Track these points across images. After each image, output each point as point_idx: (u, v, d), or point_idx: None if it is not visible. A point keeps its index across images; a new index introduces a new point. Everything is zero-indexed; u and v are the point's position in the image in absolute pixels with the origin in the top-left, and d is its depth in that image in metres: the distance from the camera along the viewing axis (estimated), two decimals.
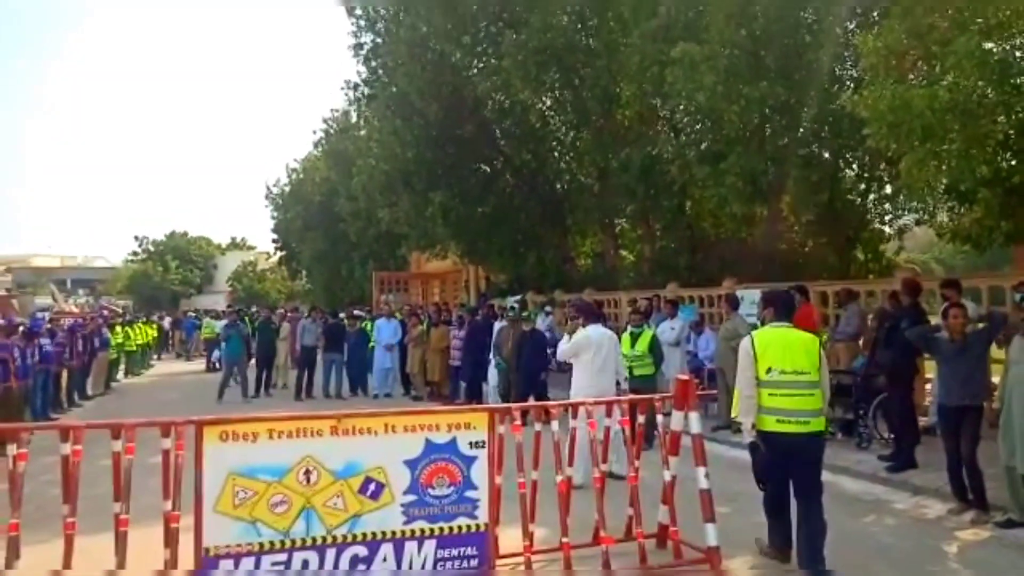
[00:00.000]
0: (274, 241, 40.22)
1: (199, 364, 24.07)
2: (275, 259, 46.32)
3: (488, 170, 20.44)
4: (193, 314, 31.82)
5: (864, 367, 8.81)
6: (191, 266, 58.56)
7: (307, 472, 4.73)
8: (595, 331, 7.85)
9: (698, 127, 14.26)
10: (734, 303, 10.24)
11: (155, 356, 26.30)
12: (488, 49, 17.49)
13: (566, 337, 8.35)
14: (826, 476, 7.77)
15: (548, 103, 19.41)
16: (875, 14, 11.17)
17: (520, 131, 19.45)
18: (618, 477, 6.62)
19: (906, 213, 14.07)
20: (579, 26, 16.37)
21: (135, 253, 59.18)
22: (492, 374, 12.41)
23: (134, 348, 21.34)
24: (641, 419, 5.76)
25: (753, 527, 6.12)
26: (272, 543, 4.62)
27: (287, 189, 36.29)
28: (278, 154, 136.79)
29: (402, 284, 30.20)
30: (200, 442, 4.55)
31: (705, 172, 12.50)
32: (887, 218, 14.72)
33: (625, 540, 5.39)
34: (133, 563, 4.40)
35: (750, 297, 12.26)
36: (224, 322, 17.24)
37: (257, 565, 4.58)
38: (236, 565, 4.54)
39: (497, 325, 12.82)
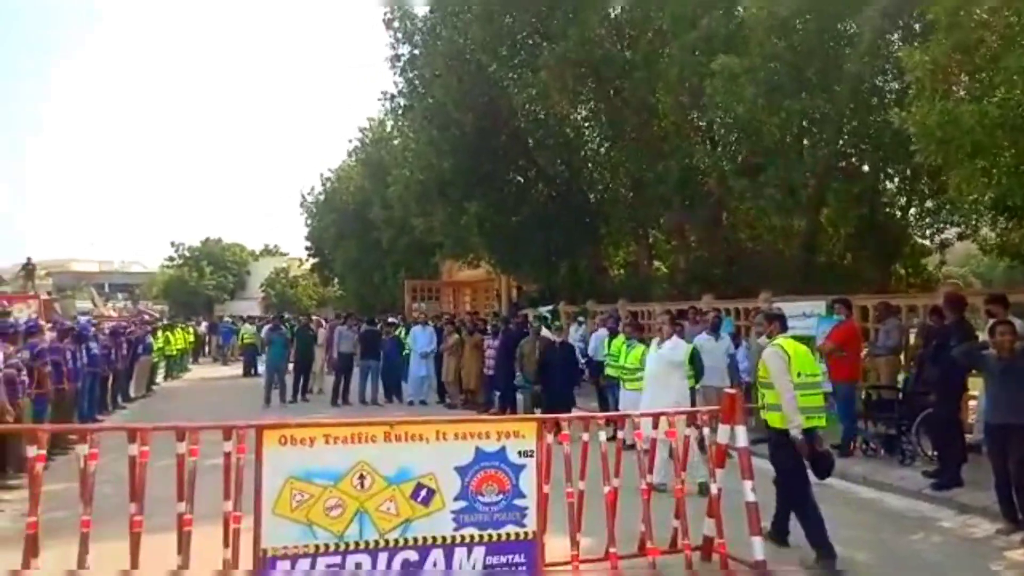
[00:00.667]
0: (307, 248, 40.79)
1: (235, 368, 24.47)
2: (307, 266, 46.99)
3: (522, 180, 20.60)
4: (229, 319, 32.35)
5: (913, 383, 8.69)
6: (225, 272, 59.52)
7: (361, 477, 4.85)
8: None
9: (736, 139, 14.26)
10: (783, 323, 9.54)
11: (192, 360, 26.81)
12: (525, 60, 17.67)
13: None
14: (870, 493, 7.86)
15: (583, 114, 19.56)
16: (917, 27, 11.13)
17: (554, 142, 19.60)
18: (661, 489, 6.65)
19: (948, 227, 13.91)
20: (616, 38, 16.46)
21: (171, 259, 60.35)
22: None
23: (174, 352, 21.80)
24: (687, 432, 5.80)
25: (798, 539, 6.13)
26: (327, 545, 4.74)
27: (321, 197, 36.78)
28: (312, 163, 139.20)
29: (434, 292, 30.46)
30: (260, 446, 4.69)
31: (743, 184, 12.50)
32: (928, 232, 14.57)
33: (671, 552, 5.43)
34: (195, 562, 4.55)
35: (788, 310, 12.22)
36: (267, 327, 17.56)
37: (312, 566, 4.70)
38: (293, 566, 4.67)
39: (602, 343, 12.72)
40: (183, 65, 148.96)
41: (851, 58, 11.72)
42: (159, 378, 19.79)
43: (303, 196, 38.06)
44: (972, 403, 9.23)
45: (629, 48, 16.45)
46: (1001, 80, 7.11)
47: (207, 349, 29.70)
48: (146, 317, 23.39)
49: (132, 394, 16.11)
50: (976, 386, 8.17)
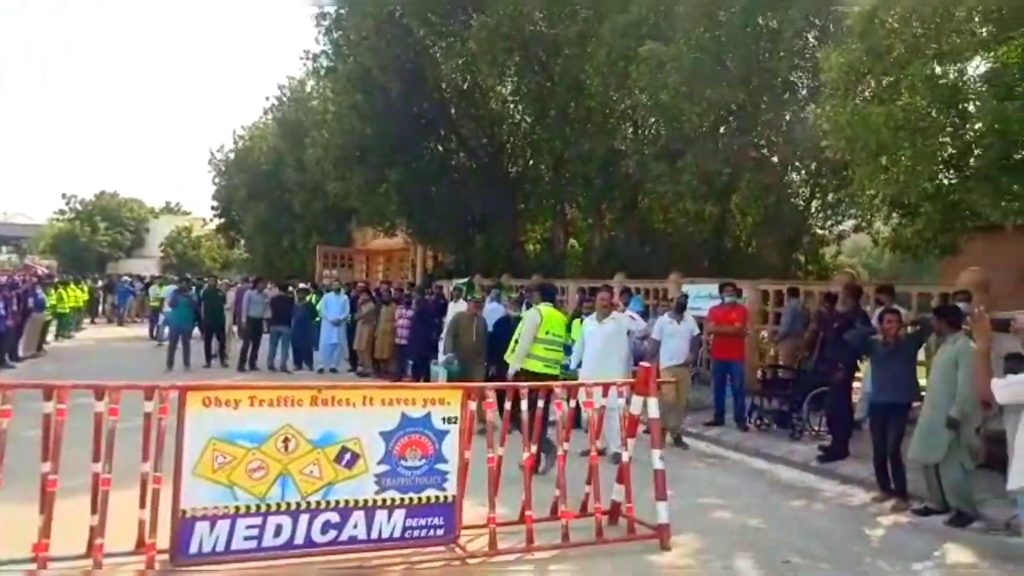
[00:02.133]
0: (213, 208, 39.36)
1: (131, 330, 23.50)
2: (212, 226, 45.29)
3: (443, 151, 20.57)
4: (127, 278, 30.88)
5: (814, 363, 9.13)
6: (121, 228, 56.65)
7: (285, 440, 4.90)
8: None
9: (657, 124, 14.71)
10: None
11: (88, 320, 25.55)
12: (454, 29, 17.56)
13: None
14: (762, 464, 8.47)
15: (509, 88, 19.64)
16: (832, 28, 11.77)
17: (479, 114, 19.64)
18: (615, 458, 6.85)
19: (845, 220, 14.85)
20: (547, 15, 16.57)
21: (61, 212, 56.96)
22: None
23: (66, 311, 20.66)
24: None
25: (696, 508, 6.59)
26: (248, 507, 4.78)
27: (232, 156, 35.50)
28: (223, 120, 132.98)
29: (346, 260, 30.08)
30: (183, 407, 4.67)
31: (662, 168, 12.94)
32: (827, 223, 15.51)
33: (582, 515, 5.73)
34: (111, 523, 4.51)
35: (695, 291, 12.80)
36: (172, 288, 16.94)
37: (232, 528, 4.74)
38: (212, 527, 4.69)
39: (452, 308, 12.82)
40: (83, 7, 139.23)
41: (770, 54, 12.29)
42: (49, 337, 18.79)
43: (212, 153, 36.75)
44: (856, 384, 10.01)
45: (559, 26, 16.61)
46: (906, 86, 7.70)
47: (101, 308, 28.30)
48: (39, 272, 22.08)
49: (21, 353, 15.29)
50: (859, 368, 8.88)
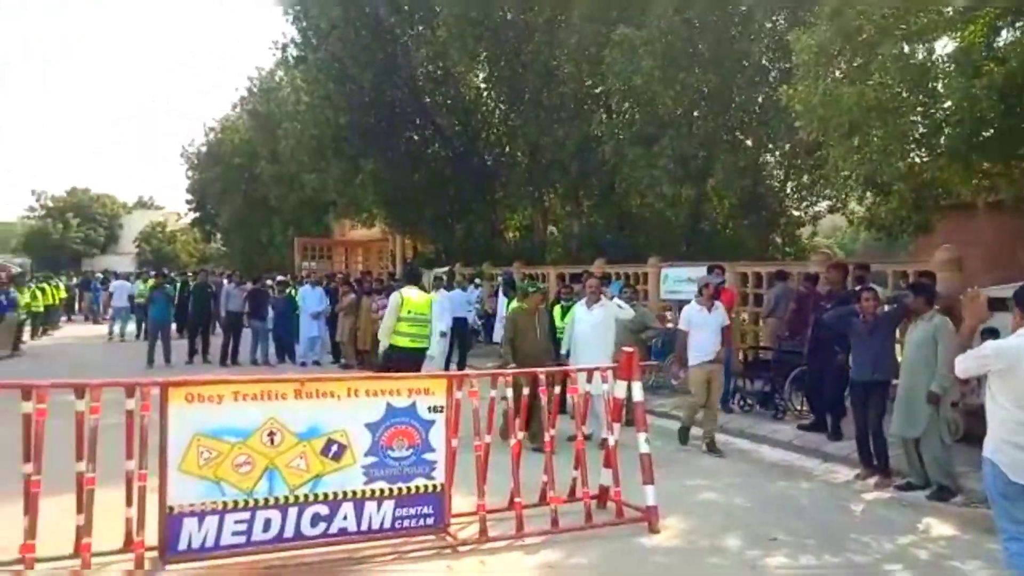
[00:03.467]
0: (188, 202, 38.92)
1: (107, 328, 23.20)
2: (187, 220, 44.74)
3: (419, 140, 20.42)
4: (100, 275, 30.42)
5: (810, 344, 9.07)
6: (94, 225, 55.78)
7: (271, 434, 4.85)
8: None
9: (631, 108, 14.69)
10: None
11: (64, 318, 25.19)
12: (424, 17, 17.40)
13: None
14: (746, 444, 8.54)
15: (482, 76, 19.53)
16: (802, 11, 11.81)
17: (453, 103, 19.50)
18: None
19: (820, 201, 14.98)
20: (517, 1, 16.46)
21: (32, 209, 55.92)
22: (436, 346, 12.46)
23: (40, 309, 20.35)
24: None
25: (683, 490, 6.64)
26: (236, 502, 4.74)
27: (204, 149, 35.02)
28: (192, 113, 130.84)
29: (325, 251, 29.84)
30: (165, 403, 4.60)
31: (637, 153, 12.95)
32: (803, 205, 15.63)
33: (570, 500, 5.75)
34: (98, 522, 4.44)
35: (674, 275, 12.86)
36: (149, 284, 16.74)
37: (221, 523, 4.69)
38: (200, 523, 4.64)
39: (503, 306, 12.70)
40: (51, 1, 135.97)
41: (741, 37, 12.32)
42: (25, 336, 18.48)
43: (184, 147, 36.24)
44: None
45: (528, 13, 16.51)
46: (877, 66, 7.75)
47: (77, 307, 27.90)
48: (13, 271, 21.68)
49: None
50: None
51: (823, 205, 15.23)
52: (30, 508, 4.32)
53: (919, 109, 8.06)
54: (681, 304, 10.48)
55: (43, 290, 21.06)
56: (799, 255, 14.83)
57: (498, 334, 13.00)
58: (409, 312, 8.63)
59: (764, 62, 13.25)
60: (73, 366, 13.87)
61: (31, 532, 4.29)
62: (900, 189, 8.48)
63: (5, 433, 4.59)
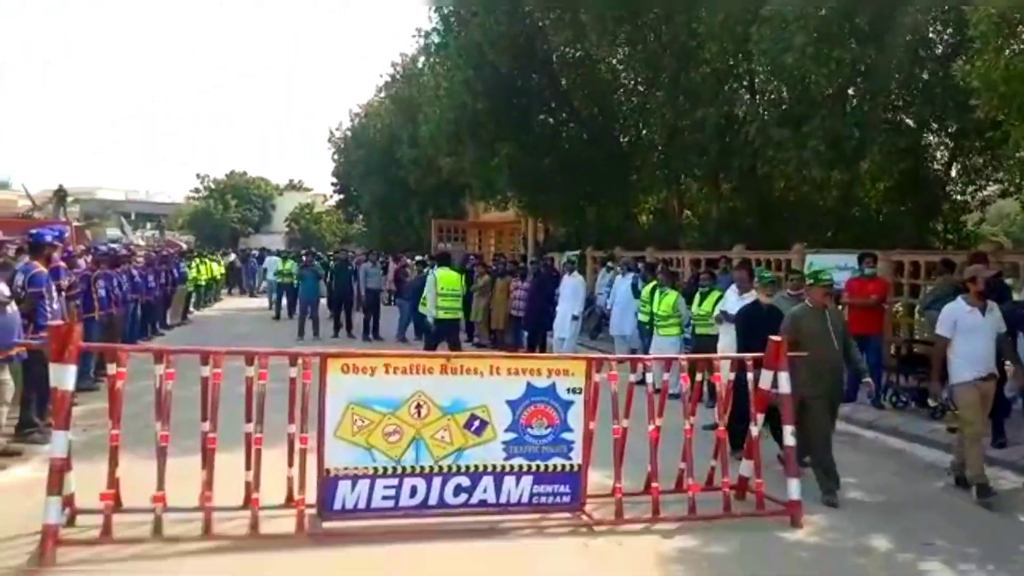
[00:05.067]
0: (333, 184, 40.91)
1: (263, 302, 24.92)
2: (332, 202, 47.14)
3: (554, 123, 20.45)
4: (256, 252, 32.69)
5: None
6: (249, 205, 59.79)
7: (418, 406, 5.09)
8: None
9: (777, 87, 14.02)
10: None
11: (226, 291, 27.41)
12: (563, 1, 17.35)
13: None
14: (900, 444, 8.05)
15: (620, 57, 19.26)
16: None
17: (590, 85, 19.36)
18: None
19: (990, 184, 13.73)
20: None
21: (196, 190, 60.67)
22: (568, 330, 12.55)
23: (203, 282, 22.15)
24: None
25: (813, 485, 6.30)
26: (385, 468, 5.02)
27: (349, 134, 36.71)
28: (340, 99, 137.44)
29: (460, 232, 30.54)
30: (324, 373, 4.92)
31: (784, 134, 12.37)
32: (969, 189, 14.38)
33: (708, 489, 5.66)
34: (263, 479, 4.83)
35: (819, 263, 12.21)
36: (300, 263, 17.88)
37: (372, 487, 4.99)
38: (353, 486, 4.96)
39: (566, 281, 12.83)
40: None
41: (903, 8, 11.43)
42: (192, 307, 20.20)
43: (331, 132, 38.07)
44: None
45: None
46: None
47: (241, 281, 30.13)
48: (183, 247, 23.75)
49: (169, 322, 16.54)
50: None
51: (993, 189, 13.94)
52: (207, 462, 4.77)
53: None
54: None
55: (206, 264, 22.91)
56: (962, 244, 13.69)
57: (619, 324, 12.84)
58: (443, 288, 10.72)
59: (931, 35, 12.24)
60: (234, 336, 15.06)
61: (208, 483, 4.75)
62: None
63: (181, 393, 5.05)
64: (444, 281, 10.93)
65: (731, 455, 5.84)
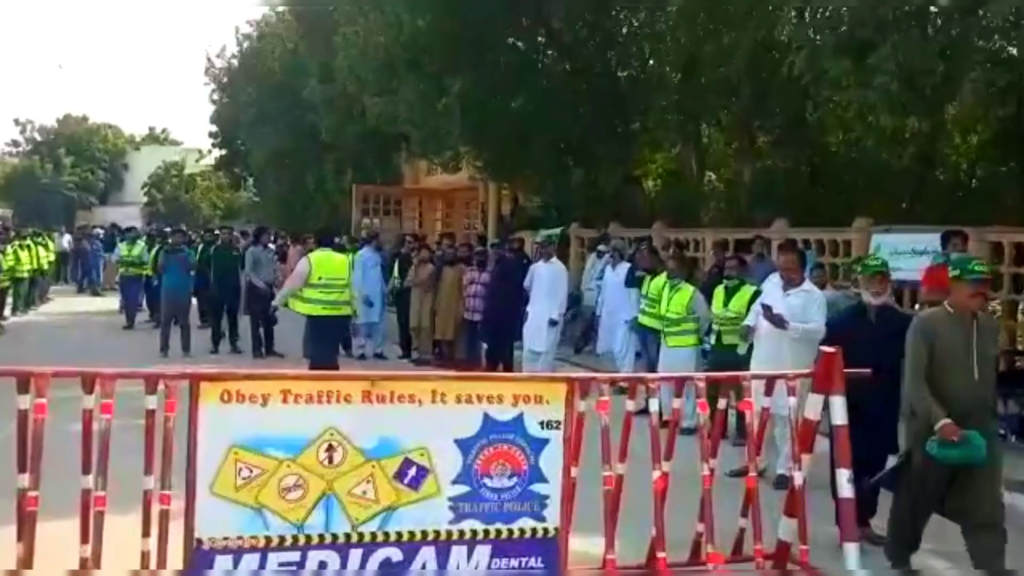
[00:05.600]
0: (212, 135, 40.58)
1: (112, 301, 24.66)
2: (210, 159, 46.71)
3: (526, 48, 20.49)
4: (101, 232, 32.24)
5: None
6: (92, 165, 59.16)
7: (330, 449, 5.06)
8: None
9: (834, 4, 14.20)
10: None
11: (58, 287, 27.11)
12: None
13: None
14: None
15: None
16: None
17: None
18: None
19: None
20: None
21: (14, 143, 59.91)
22: (546, 340, 12.67)
23: (25, 276, 21.63)
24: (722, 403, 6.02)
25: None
26: (282, 538, 4.99)
27: (235, 63, 36.43)
28: (219, 13, 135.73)
29: (392, 203, 30.49)
30: (195, 403, 4.87)
31: (844, 67, 12.56)
32: None
33: (736, 560, 5.74)
34: (108, 555, 4.77)
35: (890, 245, 12.42)
36: (162, 246, 17.71)
37: (262, 564, 4.95)
38: (236, 563, 4.92)
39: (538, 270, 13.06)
40: None
41: None
42: (7, 311, 19.85)
43: (209, 60, 37.65)
44: None
45: None
46: None
47: (75, 272, 29.72)
48: None
49: None
50: None
51: None
52: (25, 532, 4.69)
53: None
54: (902, 287, 10.16)
55: (28, 249, 22.28)
56: None
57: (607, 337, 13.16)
58: (320, 278, 10.89)
59: None
60: (69, 351, 14.86)
61: (26, 560, 4.67)
62: None
63: None
64: (322, 267, 11.11)
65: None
